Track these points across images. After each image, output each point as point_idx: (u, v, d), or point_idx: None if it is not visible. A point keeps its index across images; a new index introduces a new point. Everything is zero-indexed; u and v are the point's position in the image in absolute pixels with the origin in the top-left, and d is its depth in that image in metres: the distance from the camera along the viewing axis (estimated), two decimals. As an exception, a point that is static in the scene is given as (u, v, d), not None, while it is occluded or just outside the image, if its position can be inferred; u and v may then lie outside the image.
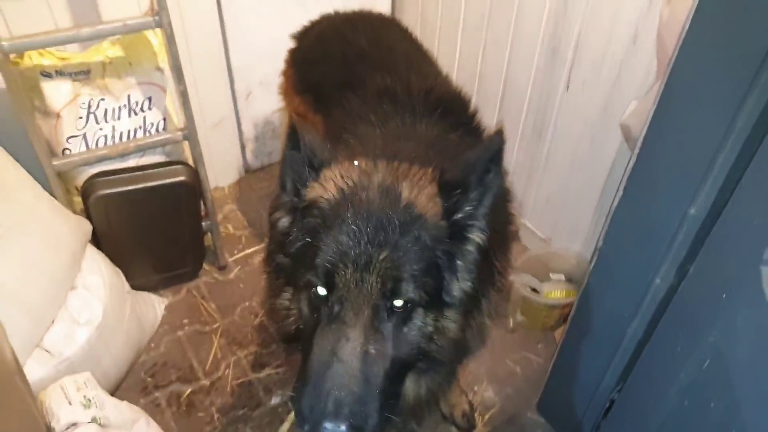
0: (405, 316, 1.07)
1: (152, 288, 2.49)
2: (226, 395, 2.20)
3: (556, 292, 2.37)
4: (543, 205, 2.69)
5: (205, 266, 2.67)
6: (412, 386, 1.22)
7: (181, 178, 2.24)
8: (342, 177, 1.12)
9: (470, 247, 1.13)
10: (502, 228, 1.39)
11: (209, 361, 2.30)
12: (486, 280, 1.24)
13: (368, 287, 1.03)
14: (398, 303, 1.05)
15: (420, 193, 1.09)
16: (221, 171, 3.06)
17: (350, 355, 1.00)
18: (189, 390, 2.21)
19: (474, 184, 1.08)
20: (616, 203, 1.44)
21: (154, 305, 2.43)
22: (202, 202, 2.44)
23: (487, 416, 2.14)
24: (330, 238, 1.05)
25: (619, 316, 1.52)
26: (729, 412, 1.07)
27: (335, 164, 1.15)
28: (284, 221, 1.19)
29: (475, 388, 2.23)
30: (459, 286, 1.11)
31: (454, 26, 2.81)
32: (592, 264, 1.55)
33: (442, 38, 2.93)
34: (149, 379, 2.24)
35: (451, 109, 1.64)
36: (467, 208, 1.10)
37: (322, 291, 1.07)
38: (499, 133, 1.08)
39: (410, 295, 1.04)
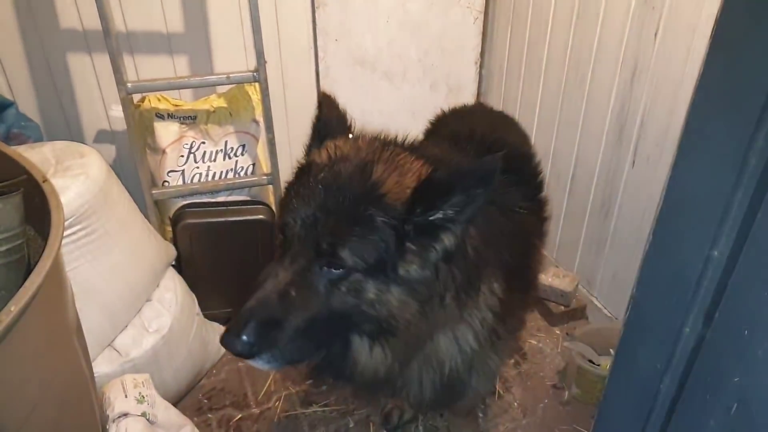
0: (341, 276, 1.15)
1: (223, 320, 2.65)
2: (273, 425, 2.28)
3: (612, 364, 2.28)
4: (610, 282, 2.65)
5: (273, 307, 2.83)
6: (364, 351, 1.26)
7: (261, 217, 2.46)
8: (335, 147, 1.25)
9: (436, 246, 1.19)
10: (520, 262, 1.42)
11: (262, 392, 2.41)
12: (471, 298, 1.29)
13: (309, 243, 1.14)
14: (333, 263, 1.14)
15: (391, 177, 1.18)
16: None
17: (271, 288, 1.13)
18: (239, 416, 2.31)
19: (458, 191, 1.14)
20: (646, 250, 1.45)
21: (220, 335, 2.58)
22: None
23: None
24: (296, 194, 1.18)
25: (653, 371, 1.47)
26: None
27: (341, 137, 1.29)
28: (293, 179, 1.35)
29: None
30: (405, 267, 1.17)
31: (531, 107, 2.97)
32: (626, 317, 1.54)
33: (521, 117, 3.08)
34: (205, 401, 2.38)
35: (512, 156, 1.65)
36: (449, 212, 1.16)
37: (281, 236, 1.21)
38: (497, 158, 1.13)
39: (345, 260, 1.13)
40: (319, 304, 1.15)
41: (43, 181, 1.28)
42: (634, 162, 2.34)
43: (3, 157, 1.35)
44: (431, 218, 1.17)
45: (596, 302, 2.75)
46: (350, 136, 1.32)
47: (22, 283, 0.95)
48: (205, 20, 2.58)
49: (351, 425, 2.28)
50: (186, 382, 2.33)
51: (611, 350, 2.41)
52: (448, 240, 1.18)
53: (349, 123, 1.34)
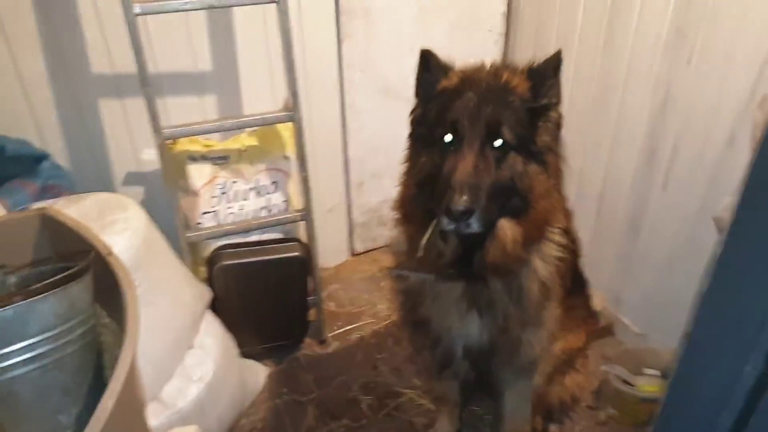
0: (503, 151, 1.49)
1: (257, 357, 2.68)
2: (321, 465, 2.30)
3: (650, 387, 2.31)
4: (639, 301, 2.67)
5: (306, 340, 2.84)
6: (506, 226, 1.56)
7: (296, 254, 2.48)
8: (461, 71, 1.60)
9: (550, 119, 1.57)
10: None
11: (303, 430, 2.41)
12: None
13: (478, 131, 1.46)
14: (497, 142, 1.47)
15: (515, 77, 1.54)
16: (329, 252, 3.29)
17: (467, 164, 1.44)
18: (285, 455, 2.32)
19: (551, 75, 1.55)
20: (705, 288, 1.47)
21: (257, 372, 2.60)
22: (310, 279, 2.66)
23: None
24: (455, 103, 1.50)
25: (709, 406, 1.49)
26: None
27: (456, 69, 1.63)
28: (419, 110, 1.65)
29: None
30: (539, 138, 1.54)
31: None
32: (682, 352, 1.55)
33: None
34: (247, 442, 2.38)
35: None
36: (549, 94, 1.55)
37: (448, 138, 1.50)
38: (559, 53, 1.54)
39: (506, 136, 1.47)
40: (495, 175, 1.47)
41: (108, 255, 1.29)
42: (665, 185, 2.36)
43: (65, 230, 1.36)
44: (543, 101, 1.55)
45: (624, 320, 2.77)
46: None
47: (95, 365, 0.96)
48: (234, 59, 2.58)
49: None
50: (228, 425, 2.33)
51: (645, 370, 2.44)
52: (555, 114, 1.58)
53: (450, 63, 1.63)
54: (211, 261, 2.44)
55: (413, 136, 1.69)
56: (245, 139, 2.48)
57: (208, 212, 2.48)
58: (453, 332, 1.82)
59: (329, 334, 2.89)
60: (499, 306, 1.70)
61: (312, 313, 2.83)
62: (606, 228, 2.77)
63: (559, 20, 2.79)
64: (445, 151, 1.51)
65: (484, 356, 1.85)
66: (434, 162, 1.54)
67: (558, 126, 1.60)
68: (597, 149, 2.69)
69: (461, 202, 1.40)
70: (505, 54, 3.20)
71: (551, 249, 1.71)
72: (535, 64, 1.57)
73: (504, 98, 1.50)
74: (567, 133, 2.85)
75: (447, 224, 1.45)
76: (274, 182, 2.55)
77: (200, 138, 2.42)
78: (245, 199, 2.52)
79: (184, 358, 2.16)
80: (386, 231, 3.36)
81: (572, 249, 1.89)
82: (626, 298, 2.75)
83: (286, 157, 2.54)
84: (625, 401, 2.35)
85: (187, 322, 2.17)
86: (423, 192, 1.60)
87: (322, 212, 3.11)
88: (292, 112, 2.26)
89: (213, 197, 2.48)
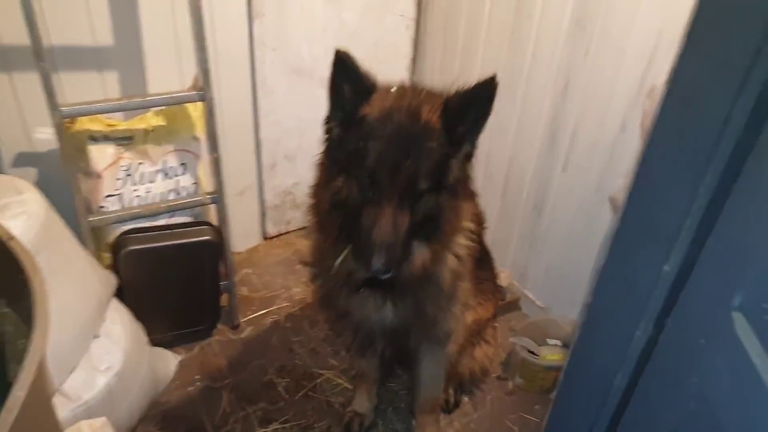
0: (419, 196, 1.53)
1: (167, 344, 2.60)
2: (234, 449, 2.27)
3: (553, 356, 2.48)
4: (542, 276, 2.84)
5: (219, 325, 2.78)
6: (420, 250, 1.65)
7: (207, 238, 2.41)
8: (383, 100, 1.54)
9: (462, 152, 1.59)
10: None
11: (218, 416, 2.37)
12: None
13: (397, 186, 1.48)
14: (415, 191, 1.51)
15: (433, 114, 1.52)
16: (241, 236, 3.23)
17: (386, 223, 1.48)
18: (198, 442, 2.27)
19: (472, 112, 1.53)
20: (602, 263, 1.58)
21: (168, 360, 2.53)
22: (221, 264, 2.61)
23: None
24: (374, 147, 1.49)
25: (606, 368, 1.62)
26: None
27: (377, 90, 1.55)
28: (337, 131, 1.60)
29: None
30: (452, 175, 1.57)
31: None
32: (581, 320, 1.67)
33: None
34: (159, 431, 2.30)
35: None
36: (466, 127, 1.55)
37: (367, 181, 1.51)
38: (493, 79, 1.50)
39: (423, 186, 1.51)
40: (411, 219, 1.53)
41: (9, 240, 1.21)
42: (566, 167, 2.52)
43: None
44: (460, 133, 1.55)
45: (529, 295, 2.94)
46: (392, 89, 1.58)
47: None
48: (137, 34, 2.44)
49: (313, 439, 2.31)
50: (138, 414, 2.25)
51: (548, 340, 2.61)
52: (468, 147, 1.59)
53: (371, 79, 1.56)
54: (117, 246, 2.32)
55: (329, 155, 1.66)
56: (151, 119, 2.36)
57: (112, 195, 2.36)
58: (371, 320, 1.89)
59: (243, 319, 2.85)
60: (413, 295, 1.79)
61: (224, 299, 2.77)
62: (511, 208, 2.92)
63: (468, 7, 2.88)
64: (363, 191, 1.53)
65: (403, 334, 1.93)
66: (351, 193, 1.56)
67: (470, 156, 1.62)
68: (503, 133, 2.81)
69: (381, 264, 1.47)
70: (416, 41, 3.26)
71: (461, 240, 1.80)
72: (459, 93, 1.53)
73: (423, 145, 1.50)
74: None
75: (365, 272, 1.55)
76: (182, 164, 2.46)
77: (102, 117, 2.28)
78: (152, 182, 2.41)
79: (89, 348, 2.06)
80: (299, 214, 3.34)
81: (479, 228, 2.01)
82: (531, 274, 2.91)
83: (196, 138, 2.45)
84: (531, 370, 2.52)
85: (91, 311, 2.06)
86: (337, 211, 1.62)
87: (234, 195, 3.04)
88: (202, 91, 2.18)
89: (117, 179, 2.35)
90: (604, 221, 2.34)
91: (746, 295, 1.05)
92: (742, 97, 1.08)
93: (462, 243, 1.81)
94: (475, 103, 1.53)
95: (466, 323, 2.14)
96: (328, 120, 1.62)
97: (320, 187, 1.71)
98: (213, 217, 2.55)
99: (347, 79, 1.54)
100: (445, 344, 2.05)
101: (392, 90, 1.58)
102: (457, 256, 1.80)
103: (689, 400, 1.28)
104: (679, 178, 1.26)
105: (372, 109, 1.53)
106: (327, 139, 1.65)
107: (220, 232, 2.49)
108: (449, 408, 2.45)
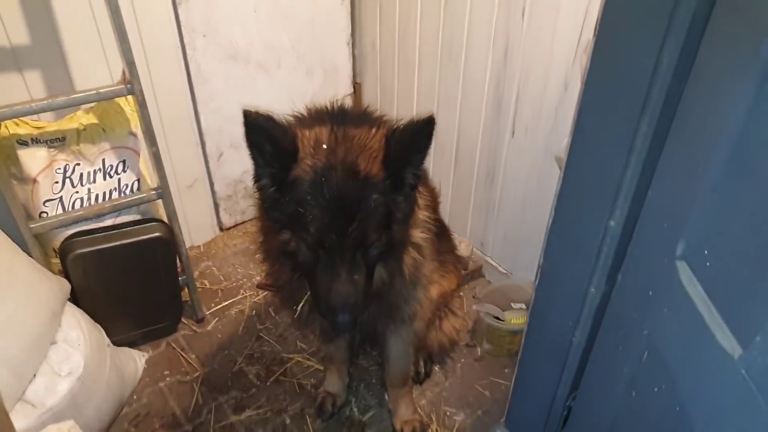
0: (372, 244, 1.52)
1: (132, 343, 2.55)
2: (210, 439, 2.26)
3: (518, 319, 2.51)
4: (501, 242, 2.86)
5: (184, 320, 2.75)
6: (380, 273, 1.67)
7: (156, 234, 2.35)
8: (314, 158, 1.45)
9: (406, 187, 1.54)
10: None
11: (191, 408, 2.35)
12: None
13: (347, 248, 1.46)
14: (367, 243, 1.50)
15: (372, 164, 1.46)
16: (196, 230, 3.17)
17: (344, 285, 1.48)
18: (172, 437, 2.24)
19: (413, 154, 1.49)
20: (550, 224, 1.59)
21: (135, 359, 2.48)
22: (178, 259, 2.55)
23: (459, 434, 2.26)
24: (317, 215, 1.43)
25: (564, 327, 1.64)
26: (671, 393, 1.15)
27: (302, 144, 1.47)
28: (271, 191, 1.51)
29: (447, 412, 2.35)
30: (398, 212, 1.54)
31: (409, 89, 3.06)
32: (536, 282, 1.69)
33: (400, 101, 3.18)
34: (133, 429, 2.28)
35: None
36: (408, 168, 1.51)
37: (315, 246, 1.48)
38: (431, 119, 1.42)
39: (374, 237, 1.50)
40: (366, 270, 1.53)
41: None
42: (513, 133, 2.52)
43: None
44: (402, 174, 1.51)
45: (491, 261, 2.97)
46: (324, 146, 1.48)
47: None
48: (54, 30, 2.30)
49: (287, 422, 2.31)
50: (109, 417, 2.22)
51: (512, 305, 2.64)
52: (412, 179, 1.54)
53: (290, 136, 1.46)
54: (63, 251, 2.24)
55: (268, 213, 1.57)
56: (82, 117, 2.27)
57: (51, 200, 2.27)
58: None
59: (208, 312, 2.81)
60: (376, 285, 1.75)
61: (185, 293, 2.72)
62: (465, 178, 2.92)
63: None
64: (313, 252, 1.50)
65: (369, 321, 1.93)
66: (300, 249, 1.52)
67: (417, 181, 1.57)
68: (448, 103, 2.79)
69: (345, 321, 1.50)
70: (353, 13, 3.19)
71: (418, 233, 1.79)
72: (397, 137, 1.46)
73: (367, 202, 1.44)
74: (419, 89, 2.96)
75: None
76: (122, 161, 2.37)
77: (28, 119, 2.17)
78: (92, 182, 2.32)
79: (48, 355, 2.01)
80: (253, 203, 3.27)
81: (434, 204, 2.02)
82: (490, 241, 2.93)
83: (133, 134, 2.37)
84: (497, 335, 2.55)
85: (44, 318, 2.00)
86: (288, 260, 1.61)
87: (181, 189, 2.96)
88: (130, 84, 2.09)
89: (55, 183, 2.26)
90: (555, 183, 2.35)
91: (688, 243, 1.06)
92: (668, 42, 1.08)
93: (419, 235, 1.78)
94: (414, 145, 1.47)
95: (431, 298, 2.15)
96: (258, 178, 1.52)
97: (267, 229, 1.66)
98: (163, 213, 2.48)
99: (265, 139, 1.43)
100: (411, 323, 2.06)
101: (323, 147, 1.48)
102: (415, 245, 1.77)
103: (642, 352, 1.30)
104: (615, 130, 1.27)
105: (304, 171, 1.44)
106: (261, 198, 1.57)
107: (170, 228, 2.43)
108: (420, 379, 2.47)
